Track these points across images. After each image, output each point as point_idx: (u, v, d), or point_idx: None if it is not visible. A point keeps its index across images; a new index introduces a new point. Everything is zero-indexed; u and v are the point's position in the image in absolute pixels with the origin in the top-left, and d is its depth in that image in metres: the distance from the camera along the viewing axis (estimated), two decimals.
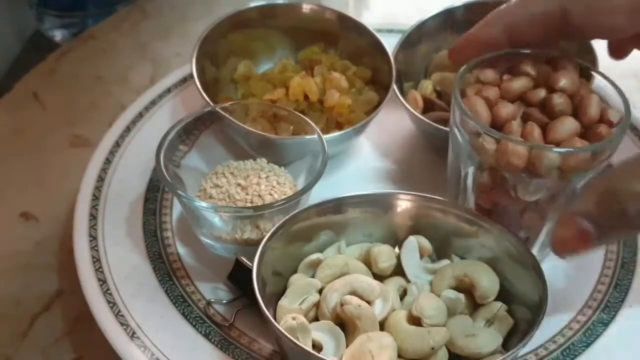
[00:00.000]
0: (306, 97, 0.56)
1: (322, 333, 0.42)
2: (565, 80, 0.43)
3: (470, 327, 0.43)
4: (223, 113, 0.51)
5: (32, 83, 0.66)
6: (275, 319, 0.42)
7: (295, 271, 0.45)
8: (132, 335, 0.45)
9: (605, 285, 0.49)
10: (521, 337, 0.41)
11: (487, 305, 0.44)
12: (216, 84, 0.58)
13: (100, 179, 0.54)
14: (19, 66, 0.72)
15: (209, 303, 0.47)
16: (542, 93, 0.44)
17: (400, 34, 0.58)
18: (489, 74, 0.45)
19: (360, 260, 0.46)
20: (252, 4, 0.60)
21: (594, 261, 0.50)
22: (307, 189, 0.47)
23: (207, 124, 0.54)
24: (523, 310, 0.43)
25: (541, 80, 0.45)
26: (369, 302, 0.43)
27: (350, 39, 0.60)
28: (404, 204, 0.47)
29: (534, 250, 0.47)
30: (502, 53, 0.46)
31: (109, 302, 0.46)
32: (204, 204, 0.47)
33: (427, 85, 0.58)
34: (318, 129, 0.50)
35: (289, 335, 0.39)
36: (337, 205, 0.46)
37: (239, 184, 0.49)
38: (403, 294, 0.45)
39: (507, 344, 0.43)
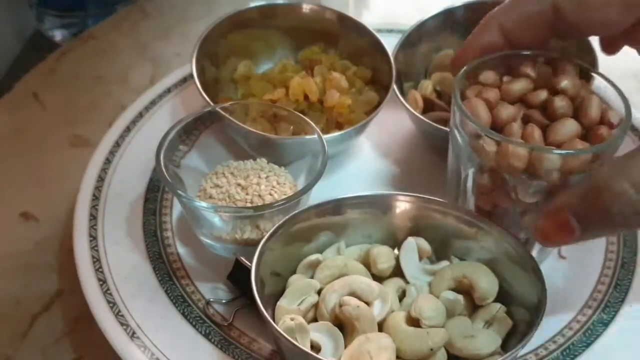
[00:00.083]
0: (306, 97, 0.56)
1: (321, 334, 0.42)
2: (566, 81, 0.43)
3: (469, 328, 0.43)
4: (223, 113, 0.51)
5: (32, 83, 0.66)
6: (274, 319, 0.42)
7: (294, 272, 0.45)
8: (132, 335, 0.45)
9: (605, 285, 0.49)
10: (520, 339, 0.41)
11: (486, 306, 0.44)
12: (216, 84, 0.58)
13: (100, 179, 0.54)
14: (19, 66, 0.72)
15: (208, 303, 0.47)
16: (542, 95, 0.44)
17: (400, 34, 0.58)
18: (489, 76, 0.45)
19: (359, 261, 0.46)
20: (252, 4, 0.60)
21: (594, 261, 0.50)
22: (307, 189, 0.47)
23: (207, 124, 0.54)
24: (522, 311, 0.43)
25: (541, 82, 0.44)
26: (367, 303, 0.43)
27: (350, 39, 0.60)
28: (403, 205, 0.47)
29: (534, 252, 0.47)
30: (501, 55, 0.46)
31: (109, 302, 0.46)
32: (204, 204, 0.47)
33: (427, 85, 0.58)
34: (318, 129, 0.50)
35: (287, 336, 0.39)
36: (336, 206, 0.46)
37: (239, 184, 0.49)
38: (402, 295, 0.45)
39: (506, 345, 0.43)
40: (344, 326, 0.42)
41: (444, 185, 0.49)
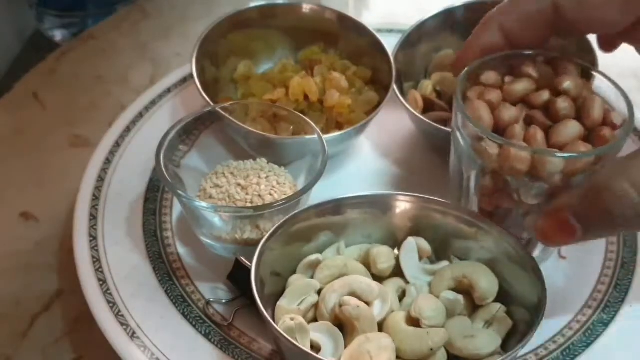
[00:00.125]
0: (306, 97, 0.56)
1: (321, 334, 0.42)
2: (568, 82, 0.43)
3: (469, 329, 0.43)
4: (223, 113, 0.51)
5: (32, 83, 0.66)
6: (274, 319, 0.42)
7: (294, 272, 0.45)
8: (132, 335, 0.45)
9: (605, 285, 0.49)
10: (520, 339, 0.41)
11: (486, 306, 0.44)
12: (216, 84, 0.58)
13: (100, 179, 0.54)
14: (19, 66, 0.72)
15: (208, 303, 0.47)
16: (544, 95, 0.43)
17: (400, 34, 0.58)
18: (491, 76, 0.45)
19: (359, 261, 0.46)
20: (252, 4, 0.60)
21: (594, 261, 0.50)
22: (307, 189, 0.47)
23: (207, 124, 0.54)
24: (522, 311, 0.43)
25: (543, 82, 0.44)
26: (367, 303, 0.43)
27: (350, 39, 0.60)
28: (403, 205, 0.47)
29: (536, 252, 0.47)
30: (502, 55, 0.45)
31: (109, 302, 0.46)
32: (204, 204, 0.47)
33: (427, 85, 0.58)
34: (318, 129, 0.50)
35: (287, 336, 0.39)
36: (336, 206, 0.46)
37: (239, 184, 0.49)
38: (402, 295, 0.45)
39: (506, 345, 0.43)
40: (344, 326, 0.42)
41: (444, 185, 0.49)
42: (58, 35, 0.75)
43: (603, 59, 0.50)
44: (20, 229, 0.54)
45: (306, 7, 0.60)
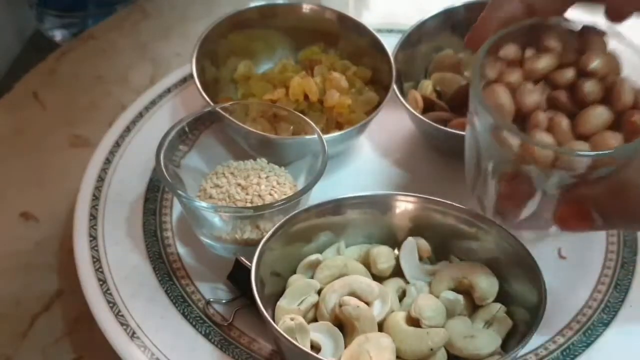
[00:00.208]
0: (306, 97, 0.56)
1: (321, 334, 0.42)
2: (596, 62, 0.39)
3: (469, 329, 0.43)
4: (223, 113, 0.51)
5: (32, 83, 0.66)
6: (274, 319, 0.42)
7: (294, 272, 0.45)
8: (132, 335, 0.45)
9: (605, 285, 0.49)
10: (520, 339, 0.41)
11: (486, 306, 0.44)
12: (216, 84, 0.58)
13: (100, 179, 0.54)
14: (19, 66, 0.72)
15: (208, 303, 0.47)
16: (569, 74, 0.40)
17: (400, 34, 0.58)
18: (511, 50, 0.41)
19: (359, 261, 0.46)
20: (252, 4, 0.60)
21: (594, 261, 0.50)
22: (307, 189, 0.47)
23: (207, 124, 0.54)
24: (522, 311, 0.43)
25: (567, 55, 0.41)
26: (367, 303, 0.43)
27: (350, 39, 0.60)
28: (403, 205, 0.47)
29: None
30: (524, 25, 0.41)
31: (109, 302, 0.46)
32: (204, 204, 0.47)
33: (427, 85, 0.58)
34: (318, 129, 0.50)
35: (287, 336, 0.39)
36: (336, 206, 0.46)
37: (239, 184, 0.49)
38: (402, 295, 0.45)
39: (506, 345, 0.43)
40: (344, 326, 0.42)
41: (444, 185, 0.49)
42: (58, 35, 0.75)
43: None
44: (20, 229, 0.54)
45: (306, 7, 0.60)
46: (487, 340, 0.42)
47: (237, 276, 0.47)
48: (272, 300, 0.44)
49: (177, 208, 0.53)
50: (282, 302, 0.43)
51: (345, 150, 0.57)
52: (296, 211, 0.46)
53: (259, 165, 0.51)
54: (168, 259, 0.50)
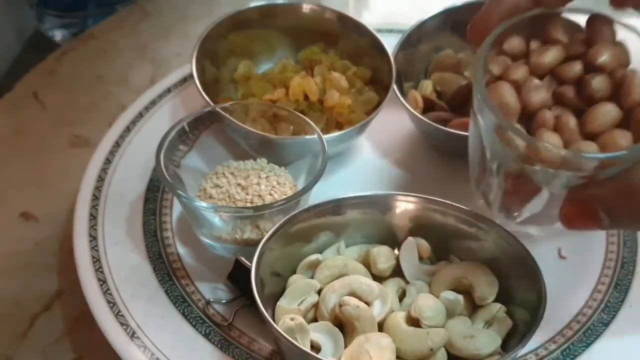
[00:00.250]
0: (306, 97, 0.56)
1: (321, 334, 0.42)
2: (605, 57, 0.38)
3: (469, 329, 0.43)
4: (223, 113, 0.51)
5: (32, 83, 0.66)
6: (274, 319, 0.42)
7: (294, 272, 0.45)
8: (132, 335, 0.45)
9: (605, 285, 0.49)
10: (520, 339, 0.41)
11: (486, 306, 0.44)
12: (216, 84, 0.58)
13: (100, 179, 0.54)
14: (19, 66, 0.72)
15: (208, 303, 0.47)
16: (576, 67, 0.38)
17: (400, 34, 0.58)
18: (515, 44, 0.39)
19: (359, 261, 0.46)
20: (252, 4, 0.60)
21: (594, 261, 0.50)
22: (307, 189, 0.47)
23: (207, 124, 0.54)
24: (522, 311, 0.43)
25: (574, 48, 0.39)
26: (367, 303, 0.43)
27: (350, 39, 0.60)
28: (403, 205, 0.47)
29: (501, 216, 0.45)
30: (528, 16, 0.40)
31: (109, 302, 0.46)
32: (204, 204, 0.47)
33: (427, 85, 0.58)
34: (318, 129, 0.50)
35: (287, 336, 0.39)
36: (336, 206, 0.46)
37: (239, 184, 0.49)
38: (402, 295, 0.45)
39: (506, 345, 0.43)
40: (344, 326, 0.42)
41: (444, 185, 0.49)
42: (58, 35, 0.75)
43: None
44: (20, 229, 0.54)
45: (306, 7, 0.60)
46: (487, 340, 0.42)
47: (237, 276, 0.47)
48: (272, 300, 0.44)
49: (177, 208, 0.53)
50: (282, 302, 0.43)
51: (345, 150, 0.57)
52: (296, 211, 0.46)
53: (259, 165, 0.51)
54: (168, 259, 0.50)
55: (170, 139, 0.49)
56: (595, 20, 0.40)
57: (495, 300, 0.44)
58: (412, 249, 0.46)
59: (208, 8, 0.74)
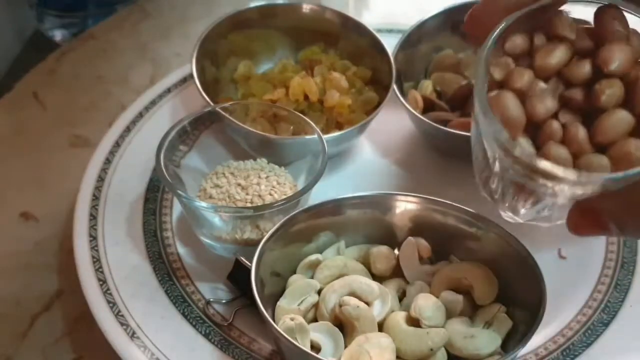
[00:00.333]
0: (306, 97, 0.56)
1: (321, 334, 0.42)
2: (617, 63, 0.34)
3: (469, 329, 0.43)
4: (223, 113, 0.52)
5: (32, 83, 0.66)
6: (274, 319, 0.42)
7: (294, 272, 0.45)
8: (132, 335, 0.45)
9: (605, 285, 0.49)
10: (520, 339, 0.41)
11: (486, 306, 0.44)
12: (216, 84, 0.58)
13: (100, 179, 0.54)
14: (19, 66, 0.72)
15: (208, 303, 0.47)
16: (585, 68, 0.35)
17: (400, 34, 0.58)
18: (517, 42, 0.36)
19: (359, 262, 0.46)
20: (252, 4, 0.60)
21: (594, 261, 0.50)
22: (307, 189, 0.47)
23: (207, 124, 0.54)
24: (522, 311, 0.43)
25: (582, 43, 0.36)
26: (367, 303, 0.43)
27: (350, 39, 0.60)
28: (403, 205, 0.47)
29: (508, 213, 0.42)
30: (532, 10, 0.36)
31: (109, 302, 0.46)
32: (204, 204, 0.47)
33: (427, 85, 0.58)
34: (318, 129, 0.50)
35: (287, 336, 0.39)
36: (336, 206, 0.46)
37: (239, 184, 0.49)
38: (402, 295, 0.45)
39: (506, 345, 0.43)
40: (344, 326, 0.42)
41: (444, 185, 0.49)
42: (58, 35, 0.75)
43: None
44: (20, 229, 0.54)
45: (306, 7, 0.60)
46: (487, 340, 0.42)
47: (237, 276, 0.47)
48: (272, 300, 0.44)
49: (177, 208, 0.53)
50: (282, 302, 0.43)
51: (345, 150, 0.57)
52: (296, 211, 0.46)
53: (259, 165, 0.51)
54: (168, 259, 0.50)
55: (170, 139, 0.49)
56: (605, 11, 0.37)
57: (495, 300, 0.44)
58: (412, 249, 0.46)
59: (208, 8, 0.74)
